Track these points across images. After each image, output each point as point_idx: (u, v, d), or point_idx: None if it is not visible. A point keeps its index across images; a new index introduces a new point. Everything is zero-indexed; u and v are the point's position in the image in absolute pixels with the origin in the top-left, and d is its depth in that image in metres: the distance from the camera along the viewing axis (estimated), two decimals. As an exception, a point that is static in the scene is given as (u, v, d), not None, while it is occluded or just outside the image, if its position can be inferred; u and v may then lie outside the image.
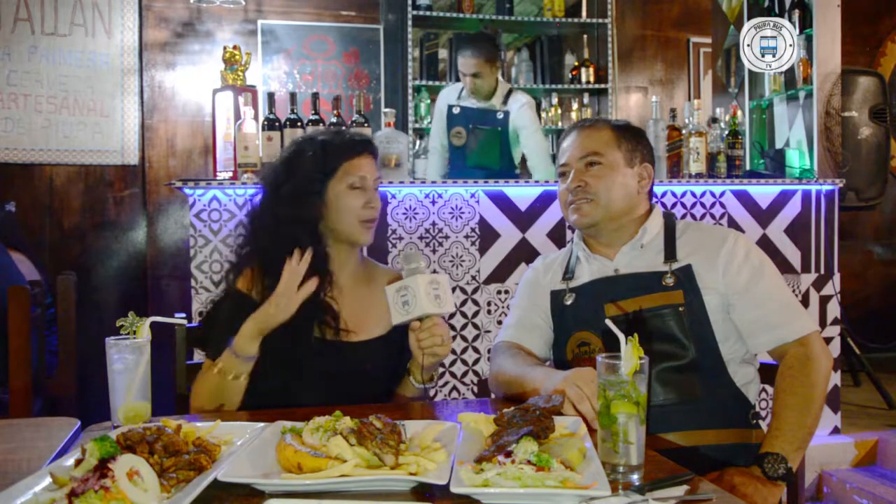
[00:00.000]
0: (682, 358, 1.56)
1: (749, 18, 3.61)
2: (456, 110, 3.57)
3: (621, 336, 1.10)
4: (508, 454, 0.97)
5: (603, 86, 4.68)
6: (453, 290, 2.92)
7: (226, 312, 1.63)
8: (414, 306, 1.44)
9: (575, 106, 4.75)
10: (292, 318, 1.55)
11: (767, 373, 1.67)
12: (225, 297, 1.67)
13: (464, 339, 2.93)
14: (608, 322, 1.19)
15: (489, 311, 2.95)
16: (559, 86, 4.75)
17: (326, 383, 1.59)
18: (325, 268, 1.64)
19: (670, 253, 1.64)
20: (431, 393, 1.70)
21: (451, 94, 3.67)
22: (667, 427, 1.53)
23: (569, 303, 1.69)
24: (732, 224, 3.13)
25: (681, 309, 1.57)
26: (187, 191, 2.74)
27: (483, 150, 3.44)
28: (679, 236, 1.68)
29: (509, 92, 3.61)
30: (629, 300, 1.61)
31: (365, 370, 1.63)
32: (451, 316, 2.92)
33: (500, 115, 3.52)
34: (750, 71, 3.66)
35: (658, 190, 3.09)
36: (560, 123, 4.73)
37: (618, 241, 1.70)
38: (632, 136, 1.73)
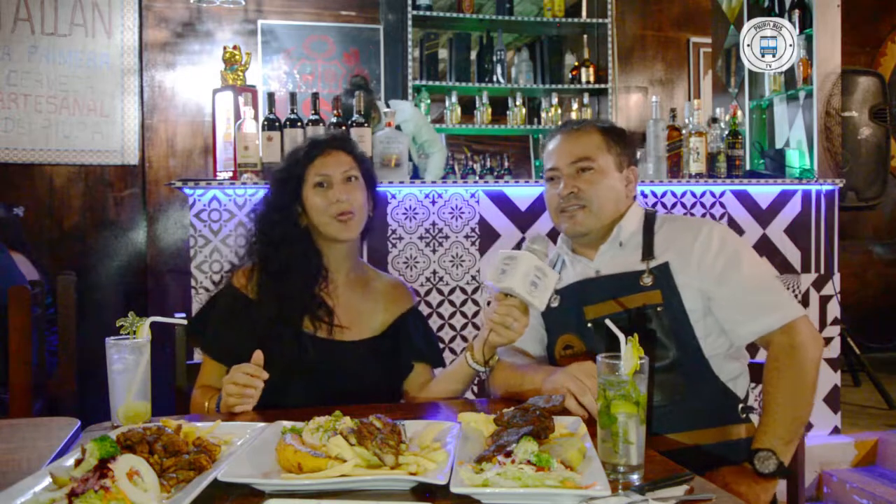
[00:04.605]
0: (663, 359, 1.55)
1: (749, 18, 3.61)
2: None
3: (621, 336, 1.10)
4: (508, 454, 0.97)
5: (603, 86, 4.69)
6: (453, 290, 2.92)
7: (221, 309, 1.68)
8: (508, 278, 1.39)
9: (575, 106, 4.75)
10: (284, 310, 1.60)
11: (760, 372, 1.66)
12: (221, 293, 1.71)
13: (464, 339, 2.93)
14: (608, 322, 1.19)
15: (489, 311, 2.95)
16: (559, 86, 4.75)
17: (316, 380, 1.60)
18: (319, 263, 1.68)
19: (647, 251, 1.62)
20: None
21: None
22: (657, 430, 1.52)
23: (554, 305, 1.67)
24: (732, 224, 3.13)
25: (659, 309, 1.55)
26: (187, 191, 2.74)
27: None
28: (657, 231, 1.65)
29: (387, 105, 3.82)
30: (608, 302, 1.59)
31: (355, 369, 1.64)
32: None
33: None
34: (750, 71, 3.66)
35: (658, 190, 3.09)
36: (560, 124, 4.73)
37: (598, 241, 1.68)
38: (620, 139, 1.71)
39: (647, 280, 1.57)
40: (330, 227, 1.64)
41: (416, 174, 3.78)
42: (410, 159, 3.72)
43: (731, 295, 1.55)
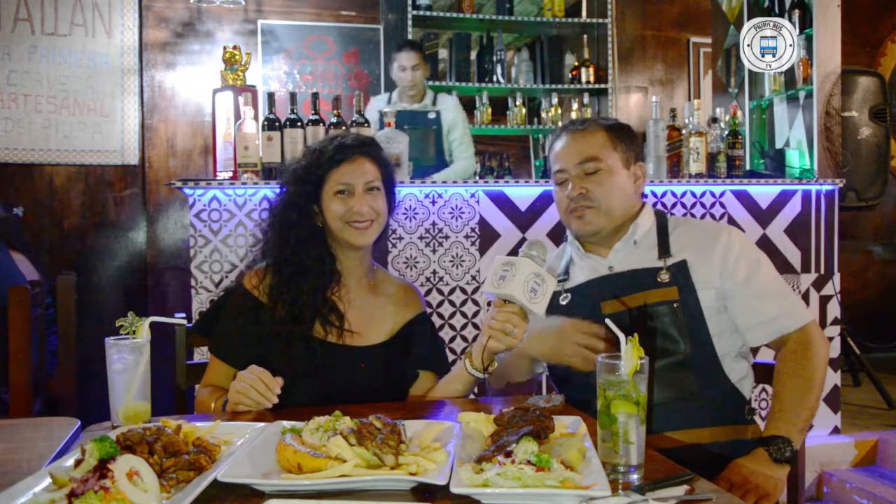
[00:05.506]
0: (676, 354, 1.57)
1: (749, 18, 3.61)
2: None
3: (621, 336, 1.10)
4: (508, 454, 0.97)
5: (603, 86, 4.69)
6: (453, 290, 2.92)
7: (230, 310, 1.67)
8: (507, 284, 1.39)
9: (575, 106, 4.75)
10: (295, 314, 1.59)
11: (765, 373, 1.67)
12: (231, 294, 1.70)
13: (464, 339, 2.93)
14: (608, 322, 1.19)
15: (489, 311, 2.95)
16: (559, 86, 4.75)
17: (323, 385, 1.59)
18: (333, 267, 1.67)
19: (664, 249, 1.65)
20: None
21: (380, 104, 3.86)
22: (663, 426, 1.54)
23: (564, 303, 1.69)
24: (732, 224, 3.12)
25: (675, 305, 1.58)
26: (187, 191, 2.74)
27: (419, 148, 3.71)
28: (672, 231, 1.69)
29: (434, 95, 3.96)
30: (625, 298, 1.61)
31: (363, 375, 1.63)
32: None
33: (432, 115, 3.85)
34: (750, 71, 3.66)
35: (658, 190, 3.09)
36: (560, 124, 4.73)
37: (611, 240, 1.70)
38: (626, 136, 1.72)
39: (665, 277, 1.60)
40: (345, 233, 1.63)
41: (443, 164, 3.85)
42: (440, 153, 3.83)
43: (751, 298, 1.61)
